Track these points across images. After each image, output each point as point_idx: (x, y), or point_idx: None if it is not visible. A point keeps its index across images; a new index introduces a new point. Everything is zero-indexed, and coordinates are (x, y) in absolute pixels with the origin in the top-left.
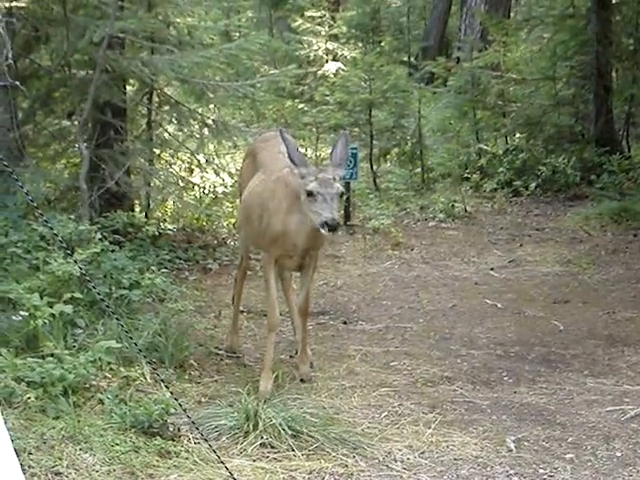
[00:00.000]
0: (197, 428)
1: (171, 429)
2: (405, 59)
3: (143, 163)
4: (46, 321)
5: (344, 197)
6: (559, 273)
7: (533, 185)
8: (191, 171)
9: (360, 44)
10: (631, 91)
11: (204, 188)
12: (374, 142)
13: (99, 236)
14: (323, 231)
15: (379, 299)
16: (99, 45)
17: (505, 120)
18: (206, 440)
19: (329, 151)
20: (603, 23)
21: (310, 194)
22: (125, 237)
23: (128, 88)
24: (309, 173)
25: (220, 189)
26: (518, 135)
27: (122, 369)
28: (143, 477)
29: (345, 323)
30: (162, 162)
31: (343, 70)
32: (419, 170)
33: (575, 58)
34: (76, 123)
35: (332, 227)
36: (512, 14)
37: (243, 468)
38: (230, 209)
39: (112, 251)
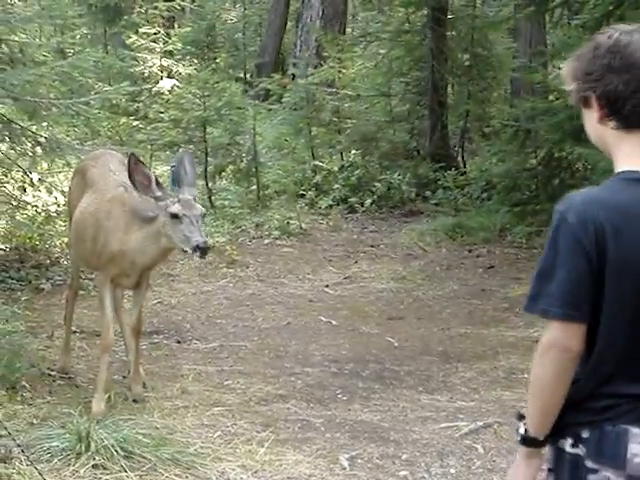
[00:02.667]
0: (23, 451)
1: (2, 451)
2: (241, 75)
3: None
4: None
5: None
6: (394, 289)
7: (368, 201)
8: (24, 190)
9: (195, 60)
10: (466, 107)
11: (37, 207)
12: (209, 159)
13: None
14: (195, 255)
15: (213, 318)
16: None
17: (340, 137)
18: (32, 463)
19: (172, 171)
20: (438, 39)
21: (175, 216)
22: None
23: None
24: (165, 195)
25: (53, 208)
26: (353, 152)
27: None
28: None
29: (179, 342)
30: None
31: (178, 87)
32: (254, 187)
33: (410, 74)
34: None
35: (204, 251)
36: (349, 30)
37: None
38: (63, 228)
39: None
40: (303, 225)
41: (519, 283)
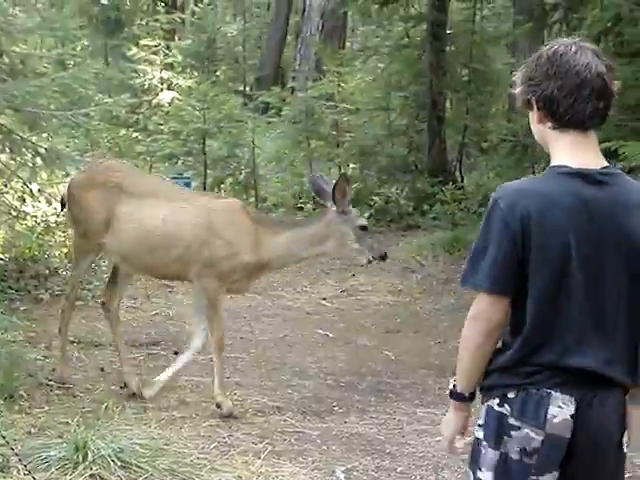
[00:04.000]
0: (21, 460)
1: (0, 460)
2: (240, 88)
3: None
4: None
5: None
6: (391, 303)
7: (366, 215)
8: (23, 200)
9: (195, 73)
10: (464, 122)
11: (36, 217)
12: (208, 171)
13: None
14: (374, 262)
15: None
16: None
17: (339, 150)
18: (29, 472)
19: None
20: (437, 54)
21: (364, 228)
22: None
23: None
24: (350, 209)
25: (52, 218)
26: (352, 165)
27: None
28: None
29: (176, 353)
30: None
31: (178, 99)
32: (253, 200)
33: (409, 88)
34: None
35: (385, 257)
36: (348, 44)
37: None
38: (62, 238)
39: None
40: None
41: None
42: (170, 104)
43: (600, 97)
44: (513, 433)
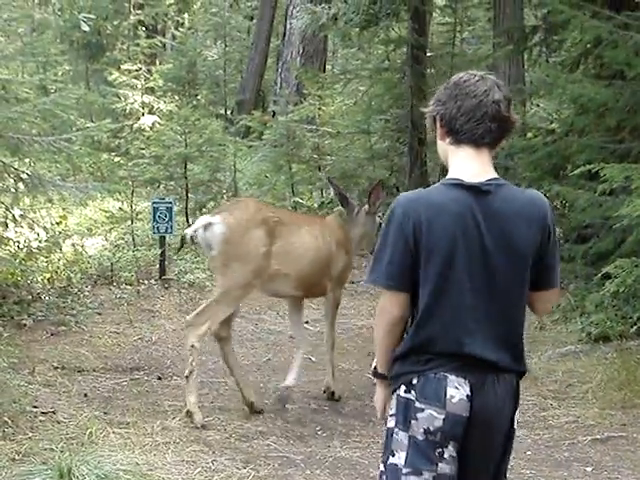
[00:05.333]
0: None
1: None
2: (222, 112)
3: None
4: None
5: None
6: (373, 326)
7: None
8: (6, 225)
9: (176, 97)
10: None
11: (19, 243)
12: (190, 196)
13: None
14: None
15: None
16: None
17: (320, 173)
18: None
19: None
20: (417, 77)
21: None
22: None
23: None
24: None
25: (35, 244)
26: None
27: None
28: None
29: (159, 378)
30: None
31: (159, 123)
32: None
33: (390, 111)
34: None
35: None
36: (328, 67)
37: None
38: (45, 264)
39: None
40: None
41: None
42: (151, 128)
43: (493, 120)
44: (419, 415)
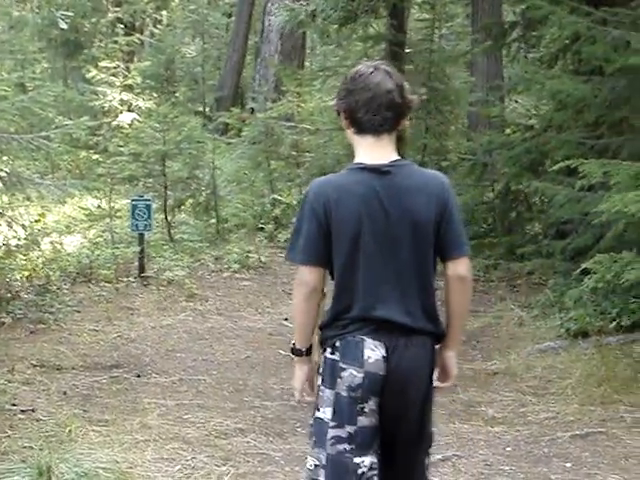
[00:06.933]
0: None
1: None
2: (200, 109)
3: None
4: None
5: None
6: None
7: None
8: None
9: (155, 94)
10: (423, 141)
11: None
12: (168, 193)
13: None
14: None
15: (173, 351)
16: None
17: (299, 170)
18: None
19: None
20: None
21: None
22: None
23: None
24: None
25: (14, 242)
26: None
27: None
28: None
29: (139, 376)
30: None
31: (138, 121)
32: (214, 221)
33: None
34: None
35: None
36: (307, 64)
37: None
38: (24, 262)
39: None
40: (262, 258)
41: (476, 316)
42: (130, 126)
43: (388, 109)
44: (342, 374)
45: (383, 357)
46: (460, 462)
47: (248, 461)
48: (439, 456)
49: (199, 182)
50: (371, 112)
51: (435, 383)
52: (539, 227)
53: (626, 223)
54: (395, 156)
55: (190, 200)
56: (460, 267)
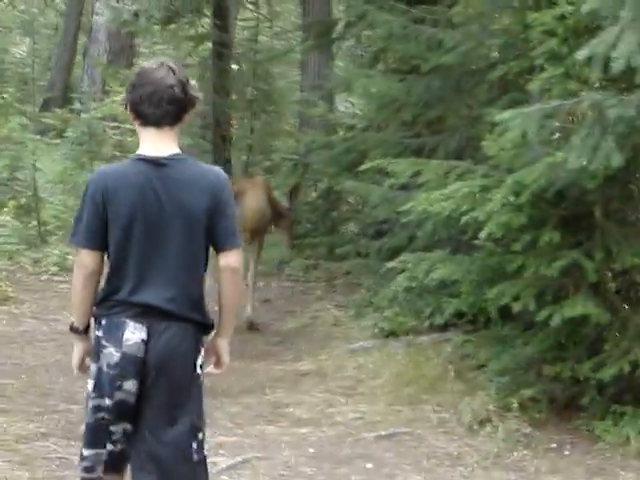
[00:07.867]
0: None
1: None
2: (29, 110)
3: None
4: None
5: None
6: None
7: None
8: None
9: None
10: (248, 141)
11: None
12: None
13: None
14: None
15: None
16: None
17: None
18: None
19: None
20: (220, 73)
21: None
22: None
23: None
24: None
25: None
26: None
27: None
28: None
29: None
30: None
31: None
32: (35, 223)
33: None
34: None
35: None
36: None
37: None
38: None
39: None
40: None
41: (293, 316)
42: None
43: (170, 103)
44: (104, 351)
45: (142, 340)
46: (260, 464)
47: (47, 466)
48: (239, 458)
49: (21, 183)
50: (153, 106)
51: (209, 369)
52: (357, 227)
53: (434, 222)
54: (176, 150)
55: (12, 202)
56: (231, 258)
